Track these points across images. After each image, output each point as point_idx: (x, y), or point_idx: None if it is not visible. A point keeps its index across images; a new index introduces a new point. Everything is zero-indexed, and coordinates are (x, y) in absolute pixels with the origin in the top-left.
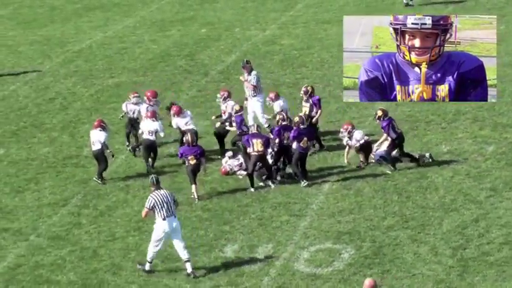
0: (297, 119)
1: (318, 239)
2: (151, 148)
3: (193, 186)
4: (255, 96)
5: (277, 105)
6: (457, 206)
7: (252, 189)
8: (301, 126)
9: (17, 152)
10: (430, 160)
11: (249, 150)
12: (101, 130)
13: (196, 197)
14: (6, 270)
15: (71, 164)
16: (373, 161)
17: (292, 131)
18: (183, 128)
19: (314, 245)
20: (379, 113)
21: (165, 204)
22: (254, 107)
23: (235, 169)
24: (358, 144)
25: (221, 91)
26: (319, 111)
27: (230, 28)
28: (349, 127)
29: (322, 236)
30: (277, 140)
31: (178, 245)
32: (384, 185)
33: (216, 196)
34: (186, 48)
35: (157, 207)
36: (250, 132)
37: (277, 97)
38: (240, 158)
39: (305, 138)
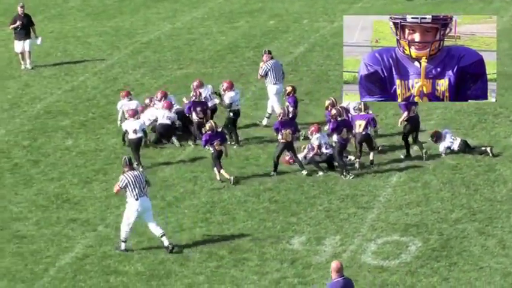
0: (334, 111)
1: (385, 232)
2: (169, 130)
3: (221, 171)
4: (267, 85)
5: (227, 97)
6: None
7: (274, 173)
8: (339, 119)
9: (85, 143)
10: (490, 154)
11: (279, 137)
12: (138, 118)
13: (223, 179)
14: (75, 261)
15: None
16: (443, 154)
17: (331, 124)
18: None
19: (381, 238)
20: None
21: (137, 185)
22: (268, 94)
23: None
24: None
25: (223, 83)
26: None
27: (298, 20)
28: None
29: (390, 229)
30: (279, 136)
31: (151, 224)
32: (452, 177)
33: (283, 188)
34: (254, 39)
35: (129, 187)
36: (279, 119)
37: (229, 88)
38: (305, 150)
39: (344, 130)
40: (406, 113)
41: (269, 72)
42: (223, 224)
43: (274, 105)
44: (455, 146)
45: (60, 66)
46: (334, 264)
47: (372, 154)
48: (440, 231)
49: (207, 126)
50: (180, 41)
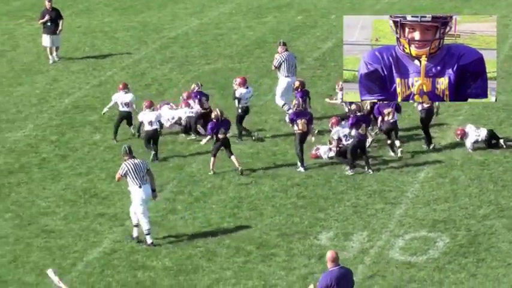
0: (353, 106)
1: (413, 227)
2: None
3: (212, 159)
4: (279, 78)
5: (238, 93)
6: None
7: (302, 169)
8: (358, 114)
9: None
10: (504, 146)
11: (295, 128)
12: (153, 110)
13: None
14: (102, 255)
15: (166, 150)
16: (471, 150)
17: (350, 119)
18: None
19: (409, 233)
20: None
21: (139, 173)
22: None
23: (324, 156)
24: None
25: (237, 78)
26: None
27: (326, 15)
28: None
29: (417, 224)
30: (295, 127)
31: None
32: (480, 173)
33: (311, 183)
34: (282, 35)
35: (130, 175)
36: (294, 110)
37: (242, 84)
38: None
39: (363, 125)
40: (416, 105)
41: (283, 64)
42: (250, 220)
43: (276, 99)
44: (482, 137)
45: (88, 61)
46: (329, 254)
47: (398, 142)
48: (468, 227)
49: (212, 114)
50: (207, 36)
